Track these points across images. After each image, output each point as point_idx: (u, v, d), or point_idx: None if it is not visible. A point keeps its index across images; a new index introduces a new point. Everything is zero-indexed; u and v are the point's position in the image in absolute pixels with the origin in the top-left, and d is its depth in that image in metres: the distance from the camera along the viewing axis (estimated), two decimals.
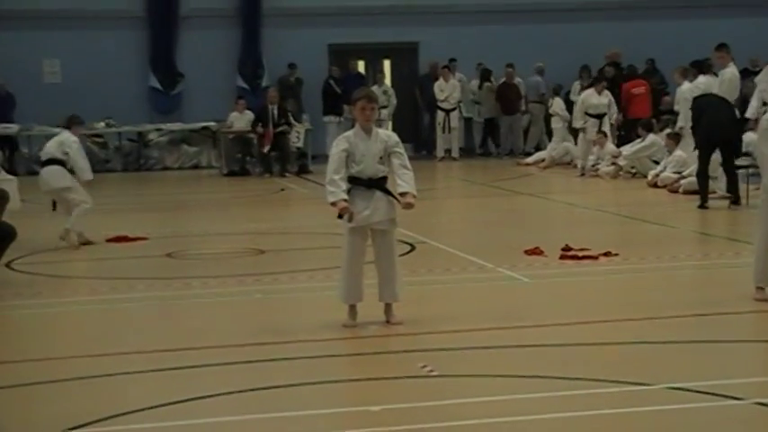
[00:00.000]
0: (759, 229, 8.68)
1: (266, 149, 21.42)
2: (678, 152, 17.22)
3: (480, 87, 24.91)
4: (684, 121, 18.01)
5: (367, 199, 7.95)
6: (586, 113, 20.09)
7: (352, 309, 8.10)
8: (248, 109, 22.39)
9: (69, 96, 23.07)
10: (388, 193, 8.01)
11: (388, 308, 8.12)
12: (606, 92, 20.53)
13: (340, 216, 7.95)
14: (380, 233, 8.02)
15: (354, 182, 7.97)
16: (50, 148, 12.99)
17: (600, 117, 20.13)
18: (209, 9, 24.50)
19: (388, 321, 8.07)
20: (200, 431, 5.90)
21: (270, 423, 5.94)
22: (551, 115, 22.76)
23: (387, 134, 8.14)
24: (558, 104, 22.47)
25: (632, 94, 22.09)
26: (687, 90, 18.04)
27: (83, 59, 23.73)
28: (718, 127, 14.40)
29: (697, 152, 15.15)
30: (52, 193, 12.95)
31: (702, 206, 14.33)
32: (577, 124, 20.32)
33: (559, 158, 21.52)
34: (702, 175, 14.55)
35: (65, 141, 12.91)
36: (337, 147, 7.99)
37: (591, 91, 20.47)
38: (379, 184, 7.97)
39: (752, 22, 24.66)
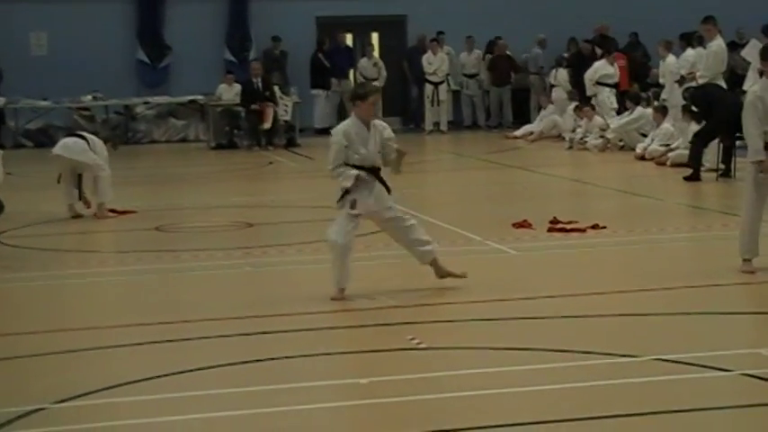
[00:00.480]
0: (744, 201, 8.72)
1: (266, 126, 21.33)
2: (666, 125, 17.24)
3: (484, 59, 24.81)
4: (669, 93, 18.13)
5: (369, 188, 8.12)
6: (599, 83, 20.23)
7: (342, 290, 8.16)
8: (237, 82, 22.34)
9: (56, 69, 22.98)
10: (383, 182, 8.20)
11: (435, 264, 8.39)
12: (617, 62, 20.74)
13: (346, 193, 8.07)
14: (385, 218, 8.25)
15: (356, 170, 8.11)
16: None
17: (615, 86, 20.34)
18: None
19: (445, 275, 8.35)
20: (190, 404, 5.92)
21: (259, 396, 5.96)
22: (553, 86, 22.72)
23: (381, 125, 8.29)
24: (561, 75, 22.47)
25: (619, 66, 22.10)
26: (673, 63, 18.13)
27: (70, 32, 23.59)
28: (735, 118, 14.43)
29: (690, 129, 15.26)
30: (65, 162, 12.83)
31: (694, 179, 14.34)
32: (590, 92, 20.40)
33: (548, 131, 21.52)
34: (700, 152, 14.55)
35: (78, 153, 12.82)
36: (338, 141, 8.10)
37: (603, 61, 20.57)
38: (378, 173, 8.19)
39: None
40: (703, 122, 15.40)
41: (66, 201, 12.82)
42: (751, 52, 16.24)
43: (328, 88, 24.22)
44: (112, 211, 12.92)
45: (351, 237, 8.10)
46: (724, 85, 15.50)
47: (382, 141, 8.17)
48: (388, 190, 8.23)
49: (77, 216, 12.69)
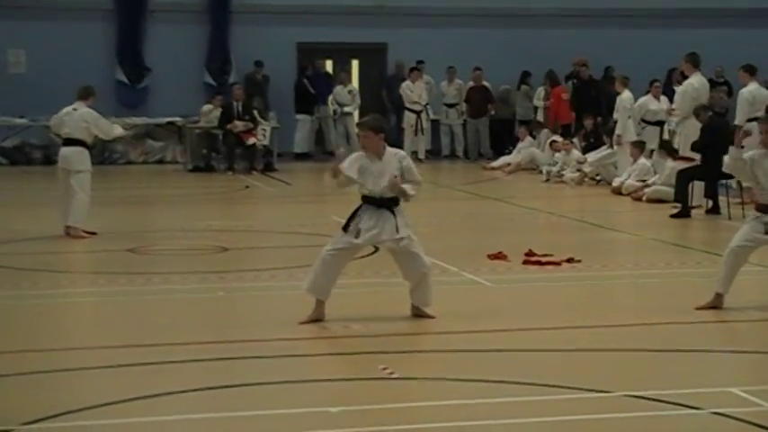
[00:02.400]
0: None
1: (251, 142, 21.36)
2: (642, 160, 17.32)
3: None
4: (622, 129, 18.20)
5: (375, 217, 8.17)
6: (643, 120, 18.79)
7: (319, 305, 8.17)
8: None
9: (34, 87, 22.86)
10: (394, 215, 8.25)
11: (415, 308, 8.41)
12: (663, 97, 19.02)
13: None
14: (396, 250, 8.31)
15: (365, 200, 8.23)
16: (70, 126, 13.05)
17: (659, 124, 18.51)
18: (178, 3, 24.37)
19: (419, 314, 8.37)
20: (158, 429, 5.86)
21: (229, 422, 5.91)
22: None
23: (396, 152, 8.35)
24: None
25: (562, 99, 22.86)
26: (627, 99, 18.39)
27: (49, 50, 23.51)
28: None
29: (667, 165, 15.35)
30: (66, 173, 12.98)
31: (683, 215, 14.38)
32: (629, 134, 18.17)
33: (525, 164, 21.56)
34: (686, 188, 14.58)
35: (82, 114, 13.06)
36: (353, 157, 8.32)
37: (648, 96, 19.04)
38: (388, 203, 8.21)
39: (716, 33, 24.82)
40: (680, 156, 15.49)
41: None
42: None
43: (312, 114, 24.27)
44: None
45: (339, 255, 8.15)
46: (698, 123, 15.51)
47: (401, 169, 8.21)
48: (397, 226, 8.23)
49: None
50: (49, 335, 8.02)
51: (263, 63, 24.10)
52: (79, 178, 12.98)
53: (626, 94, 18.54)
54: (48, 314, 8.85)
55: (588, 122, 20.67)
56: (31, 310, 8.95)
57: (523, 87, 24.75)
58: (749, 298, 9.00)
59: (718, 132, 14.57)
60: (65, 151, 13.08)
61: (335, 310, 8.18)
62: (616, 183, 17.48)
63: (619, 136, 18.18)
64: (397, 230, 8.19)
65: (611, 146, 18.57)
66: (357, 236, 8.12)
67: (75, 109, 13.22)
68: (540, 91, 24.22)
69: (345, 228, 8.17)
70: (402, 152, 8.46)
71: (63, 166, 13.06)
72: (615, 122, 18.84)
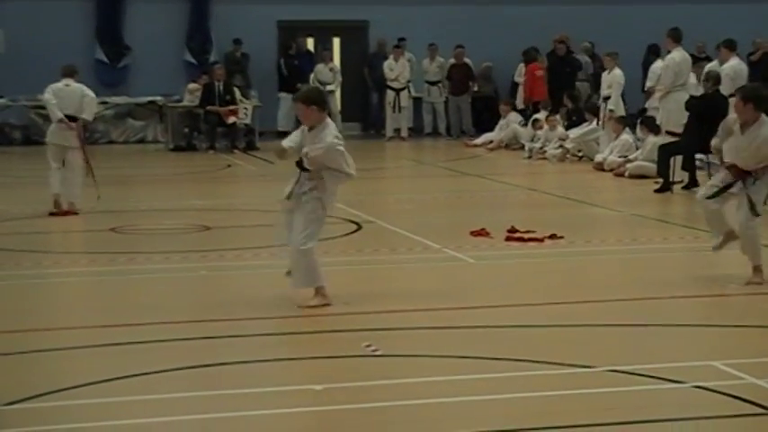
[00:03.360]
0: None
1: (231, 121, 21.30)
2: (624, 136, 17.34)
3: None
4: (616, 104, 18.30)
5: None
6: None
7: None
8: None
9: (13, 66, 22.70)
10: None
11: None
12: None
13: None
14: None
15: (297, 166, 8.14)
16: (70, 101, 13.00)
17: None
18: None
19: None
20: (139, 408, 5.85)
21: (212, 401, 5.90)
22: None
23: (330, 131, 8.20)
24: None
25: (536, 76, 22.83)
26: (619, 75, 18.47)
27: (27, 30, 23.32)
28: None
29: (648, 140, 15.37)
30: (62, 149, 12.90)
31: (665, 190, 14.42)
32: (620, 110, 18.61)
33: (508, 140, 21.55)
34: (668, 163, 14.60)
35: (83, 91, 13.08)
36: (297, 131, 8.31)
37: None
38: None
39: (699, 8, 24.83)
40: (665, 132, 15.50)
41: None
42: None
43: (295, 92, 24.13)
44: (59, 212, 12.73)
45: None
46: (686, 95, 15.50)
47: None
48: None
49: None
50: (31, 315, 7.99)
51: (241, 41, 23.98)
52: (76, 155, 12.98)
53: (617, 71, 18.60)
54: (30, 294, 8.81)
55: (567, 102, 20.64)
56: (12, 291, 8.92)
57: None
58: (730, 272, 9.03)
59: (712, 107, 14.58)
60: (61, 127, 12.96)
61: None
62: (598, 159, 17.50)
63: (611, 111, 18.24)
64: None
65: (599, 122, 18.57)
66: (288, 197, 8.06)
67: (66, 85, 13.13)
68: (521, 67, 24.20)
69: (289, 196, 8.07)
70: (333, 136, 8.06)
71: (58, 142, 12.98)
72: (602, 99, 18.93)
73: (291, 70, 24.09)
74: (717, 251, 9.02)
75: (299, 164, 8.03)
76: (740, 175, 8.64)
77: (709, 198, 8.82)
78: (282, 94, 24.06)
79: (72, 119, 12.99)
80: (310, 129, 8.06)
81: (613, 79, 18.62)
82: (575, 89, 21.58)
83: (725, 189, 8.73)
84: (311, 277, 7.94)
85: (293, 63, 24.15)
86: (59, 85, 13.19)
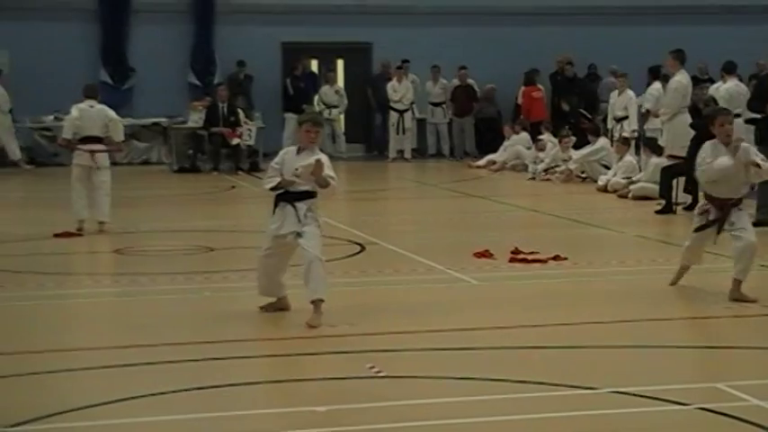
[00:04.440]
0: None
1: (234, 142, 21.36)
2: (628, 158, 17.36)
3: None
4: (635, 125, 18.47)
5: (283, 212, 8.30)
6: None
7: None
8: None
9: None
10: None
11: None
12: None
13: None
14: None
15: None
16: (93, 122, 13.09)
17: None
18: (162, 3, 24.33)
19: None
20: (146, 429, 5.85)
21: (215, 422, 5.90)
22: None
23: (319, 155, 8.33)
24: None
25: (533, 98, 23.40)
26: (633, 95, 18.69)
27: (32, 51, 23.42)
28: None
29: (651, 162, 15.44)
30: (88, 170, 13.03)
31: (667, 211, 14.45)
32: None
33: (511, 161, 21.57)
34: (670, 184, 14.66)
35: (107, 112, 13.18)
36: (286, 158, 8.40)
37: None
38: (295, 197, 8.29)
39: (699, 30, 24.89)
40: (668, 156, 15.51)
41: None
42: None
43: (300, 113, 24.23)
44: (69, 233, 12.76)
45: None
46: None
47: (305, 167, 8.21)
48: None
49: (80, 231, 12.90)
50: (36, 336, 8.00)
51: (245, 63, 24.08)
52: (106, 175, 13.13)
53: (629, 92, 18.81)
54: (34, 316, 8.82)
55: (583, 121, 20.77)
56: (16, 312, 8.93)
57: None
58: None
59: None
60: (90, 148, 13.02)
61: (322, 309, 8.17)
62: (602, 180, 17.51)
63: (634, 131, 18.43)
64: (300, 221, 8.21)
65: (613, 144, 18.65)
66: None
67: (91, 106, 13.18)
68: (523, 89, 24.30)
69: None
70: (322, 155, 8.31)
71: (87, 164, 13.05)
72: (614, 120, 19.07)
73: (297, 91, 24.17)
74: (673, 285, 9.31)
75: (289, 195, 8.20)
76: (724, 207, 8.75)
77: (696, 231, 8.97)
78: (288, 115, 24.13)
79: (96, 140, 13.03)
80: (299, 151, 8.30)
81: (629, 100, 18.76)
82: (583, 108, 21.82)
83: (713, 223, 8.84)
84: (325, 286, 8.17)
85: (299, 84, 24.24)
86: (84, 105, 13.25)
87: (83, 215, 12.96)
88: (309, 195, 8.24)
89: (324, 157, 8.22)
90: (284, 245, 8.31)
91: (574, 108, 21.64)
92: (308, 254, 8.09)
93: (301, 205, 8.19)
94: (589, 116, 21.83)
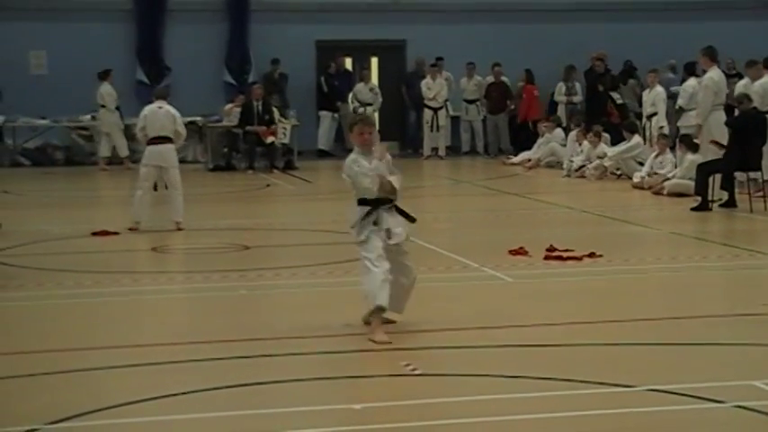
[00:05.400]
0: None
1: (270, 140, 21.44)
2: (669, 155, 17.27)
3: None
4: (664, 121, 18.42)
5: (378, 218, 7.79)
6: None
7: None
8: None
9: (55, 88, 22.99)
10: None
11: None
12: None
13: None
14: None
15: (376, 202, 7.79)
16: (161, 123, 13.29)
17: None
18: (197, 2, 24.46)
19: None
20: (183, 427, 5.90)
21: (252, 420, 5.94)
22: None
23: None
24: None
25: (533, 96, 23.97)
26: (662, 92, 18.72)
27: (69, 51, 23.62)
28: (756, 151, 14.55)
29: (687, 158, 15.41)
30: (161, 170, 13.30)
31: (703, 209, 14.37)
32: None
33: (545, 159, 21.52)
34: (706, 181, 14.56)
35: (174, 114, 13.41)
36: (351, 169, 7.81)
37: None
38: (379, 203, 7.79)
39: (732, 25, 24.71)
40: (712, 141, 15.41)
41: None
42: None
43: (335, 111, 24.33)
44: (106, 232, 12.87)
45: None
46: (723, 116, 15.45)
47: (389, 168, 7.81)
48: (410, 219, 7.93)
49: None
50: (74, 334, 8.08)
51: (279, 61, 24.16)
52: (176, 174, 13.35)
53: (659, 88, 18.76)
54: (72, 314, 8.91)
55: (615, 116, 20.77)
56: (55, 310, 9.01)
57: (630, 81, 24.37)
58: None
59: (752, 124, 14.54)
60: (158, 149, 13.27)
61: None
62: (637, 177, 17.41)
63: (662, 127, 18.40)
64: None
65: (646, 141, 18.61)
66: (389, 236, 7.75)
67: (159, 107, 13.35)
68: (561, 86, 24.21)
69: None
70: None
71: (157, 164, 13.30)
72: (645, 117, 19.02)
73: (331, 89, 24.24)
74: None
75: (383, 200, 7.73)
76: None
77: None
78: (323, 113, 24.23)
79: (164, 140, 13.16)
80: (366, 154, 7.78)
81: (658, 97, 18.71)
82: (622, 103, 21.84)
83: None
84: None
85: (333, 82, 24.31)
86: (153, 107, 13.43)
87: (140, 216, 13.12)
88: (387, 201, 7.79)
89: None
90: (391, 251, 7.73)
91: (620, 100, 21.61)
92: (409, 267, 7.87)
93: (389, 210, 7.75)
94: (619, 101, 21.78)
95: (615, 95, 22.21)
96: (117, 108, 22.46)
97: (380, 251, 7.64)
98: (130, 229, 13.04)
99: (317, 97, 24.37)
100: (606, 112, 21.95)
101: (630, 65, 24.48)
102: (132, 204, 13.37)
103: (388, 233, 7.72)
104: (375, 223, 7.71)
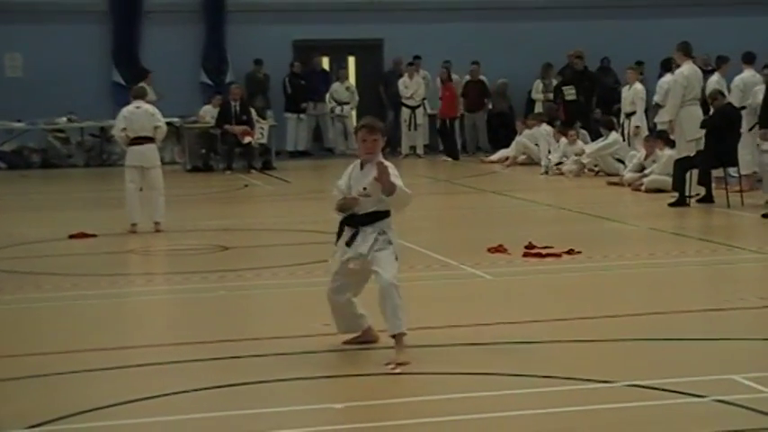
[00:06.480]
0: None
1: (247, 141, 21.37)
2: (668, 152, 17.23)
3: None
4: (640, 119, 18.44)
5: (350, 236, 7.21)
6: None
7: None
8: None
9: (31, 91, 22.89)
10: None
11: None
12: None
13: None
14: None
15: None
16: (140, 124, 13.21)
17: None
18: (173, 4, 24.40)
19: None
20: (163, 429, 5.88)
21: (232, 420, 5.93)
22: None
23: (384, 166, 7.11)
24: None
25: (454, 94, 23.61)
26: (641, 90, 18.51)
27: (45, 54, 23.52)
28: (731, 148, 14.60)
29: (664, 154, 15.45)
30: (143, 171, 13.21)
31: (681, 204, 14.44)
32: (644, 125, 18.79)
33: (518, 155, 21.54)
34: (684, 177, 14.61)
35: (152, 112, 13.35)
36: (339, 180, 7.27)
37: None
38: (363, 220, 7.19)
39: (710, 21, 24.83)
40: (676, 145, 15.52)
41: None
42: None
43: (300, 112, 24.28)
44: (83, 234, 12.82)
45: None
46: (700, 111, 15.50)
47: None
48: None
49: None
50: (53, 338, 8.04)
51: (262, 61, 24.13)
52: (158, 174, 13.31)
53: (638, 86, 18.73)
54: (51, 317, 8.87)
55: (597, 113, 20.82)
56: (34, 314, 8.97)
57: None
58: (749, 286, 9.02)
59: (726, 120, 14.62)
60: (140, 149, 13.21)
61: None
62: (627, 176, 17.14)
63: (637, 127, 18.38)
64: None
65: (625, 139, 18.62)
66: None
67: (137, 107, 13.29)
68: (538, 84, 24.27)
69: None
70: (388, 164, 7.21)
71: (139, 164, 13.24)
72: (624, 115, 19.04)
73: (296, 89, 24.16)
74: None
75: (355, 218, 7.11)
76: None
77: None
78: (287, 115, 24.14)
79: (146, 140, 13.12)
80: (362, 166, 7.14)
81: (636, 95, 18.69)
82: (592, 102, 21.80)
83: None
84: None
85: (299, 82, 24.25)
86: (131, 107, 13.36)
87: (135, 218, 13.09)
88: (380, 216, 7.19)
89: (388, 165, 7.07)
90: (353, 273, 7.15)
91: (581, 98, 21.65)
92: (381, 278, 6.98)
93: (369, 229, 7.12)
94: (571, 97, 21.76)
95: (568, 90, 22.20)
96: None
97: (337, 271, 7.15)
98: (131, 232, 13.02)
99: (284, 98, 24.33)
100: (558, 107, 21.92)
101: (608, 62, 24.58)
102: (125, 207, 13.29)
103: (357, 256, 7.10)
104: (347, 244, 7.12)
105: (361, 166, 7.21)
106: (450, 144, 23.58)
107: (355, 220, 7.16)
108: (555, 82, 23.96)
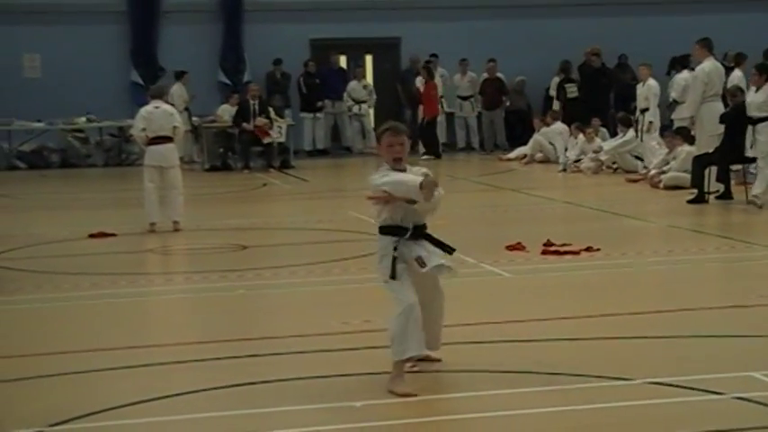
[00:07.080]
0: None
1: (267, 140, 21.40)
2: (687, 148, 17.19)
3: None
4: (654, 116, 18.38)
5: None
6: None
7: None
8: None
9: (50, 91, 23.00)
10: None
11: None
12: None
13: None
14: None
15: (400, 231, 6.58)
16: (159, 124, 13.27)
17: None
18: (191, 4, 24.47)
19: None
20: (182, 427, 5.91)
21: (252, 419, 5.95)
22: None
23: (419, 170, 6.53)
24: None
25: (431, 94, 23.53)
26: (655, 86, 18.56)
27: (63, 54, 23.63)
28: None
29: (682, 150, 15.38)
30: (162, 170, 13.25)
31: (700, 201, 14.40)
32: (657, 121, 18.54)
33: (534, 153, 21.52)
34: (702, 174, 14.57)
35: (171, 112, 13.46)
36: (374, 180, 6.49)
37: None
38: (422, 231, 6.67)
39: (727, 18, 24.74)
40: (695, 142, 15.49)
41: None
42: None
43: (316, 111, 24.31)
44: (102, 233, 12.88)
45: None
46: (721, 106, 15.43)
47: None
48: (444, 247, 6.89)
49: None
50: (72, 337, 8.08)
51: (281, 60, 24.18)
52: (177, 173, 13.37)
53: (651, 82, 18.66)
54: (69, 316, 8.91)
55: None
56: (52, 313, 9.02)
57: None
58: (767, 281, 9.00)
59: (743, 116, 14.55)
60: (159, 149, 13.26)
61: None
62: (652, 173, 17.07)
63: (651, 123, 18.32)
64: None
65: (637, 135, 18.55)
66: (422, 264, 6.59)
67: (156, 107, 13.33)
68: (555, 81, 24.22)
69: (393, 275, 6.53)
70: (419, 167, 6.65)
71: (158, 164, 13.29)
72: (639, 111, 18.94)
73: (311, 89, 24.18)
74: None
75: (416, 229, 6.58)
76: None
77: None
78: (303, 115, 24.16)
79: (165, 139, 13.15)
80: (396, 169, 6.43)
81: (649, 91, 18.63)
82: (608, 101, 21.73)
83: None
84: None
85: (313, 81, 24.27)
86: (150, 107, 13.39)
87: (154, 217, 13.14)
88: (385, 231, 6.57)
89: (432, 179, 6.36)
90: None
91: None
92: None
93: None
94: (572, 95, 21.69)
95: (570, 88, 22.12)
96: (186, 109, 22.27)
97: (408, 285, 6.55)
98: (150, 231, 13.07)
99: (300, 97, 24.35)
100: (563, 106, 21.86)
101: (625, 59, 24.53)
102: (144, 206, 13.35)
103: (420, 261, 6.62)
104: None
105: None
106: (431, 142, 23.32)
107: (403, 231, 6.58)
108: (557, 80, 23.85)
